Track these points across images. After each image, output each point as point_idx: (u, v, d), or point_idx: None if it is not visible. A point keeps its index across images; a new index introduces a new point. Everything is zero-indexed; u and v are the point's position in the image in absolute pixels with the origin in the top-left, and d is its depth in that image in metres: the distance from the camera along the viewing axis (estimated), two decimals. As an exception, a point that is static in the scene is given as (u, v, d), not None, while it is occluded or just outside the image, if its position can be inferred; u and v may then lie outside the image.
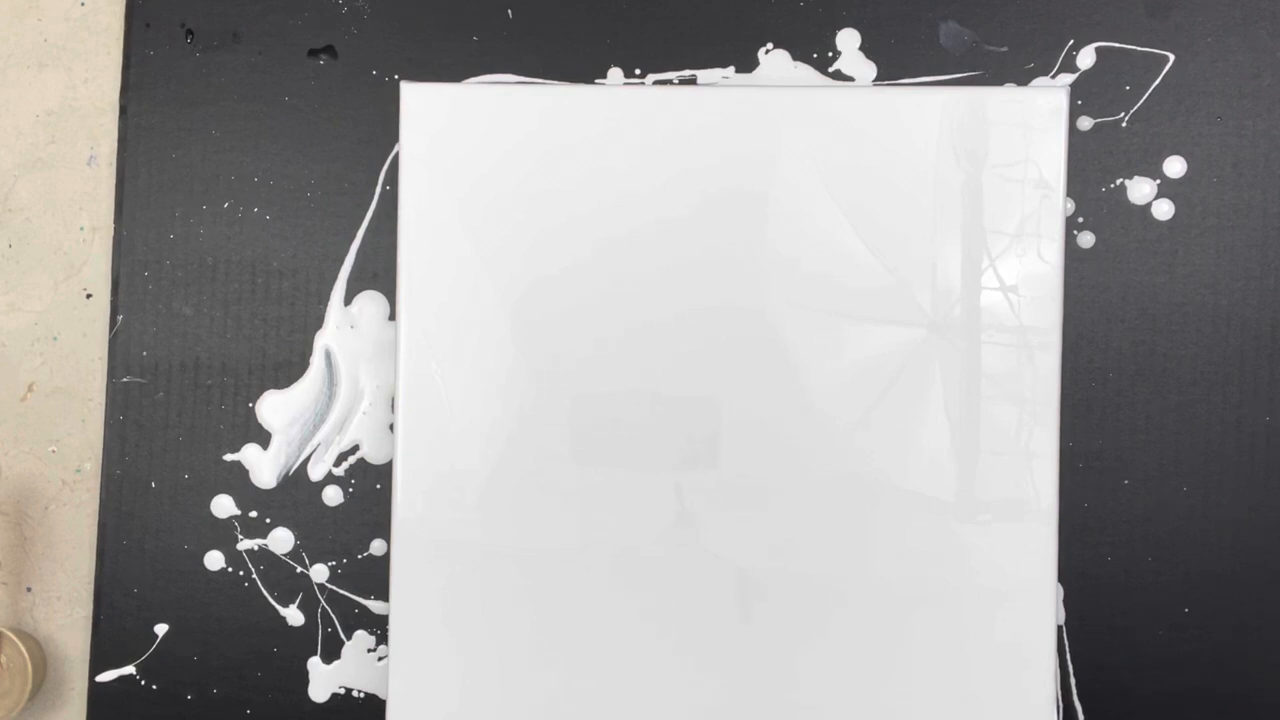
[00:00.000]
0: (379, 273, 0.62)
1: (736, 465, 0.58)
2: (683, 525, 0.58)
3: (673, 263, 0.58)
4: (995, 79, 0.60)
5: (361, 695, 0.61)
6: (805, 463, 0.58)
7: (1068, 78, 0.60)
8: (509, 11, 0.62)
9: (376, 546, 0.61)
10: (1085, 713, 0.60)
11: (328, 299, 0.62)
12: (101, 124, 0.63)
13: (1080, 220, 0.60)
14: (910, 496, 0.58)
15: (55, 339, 0.63)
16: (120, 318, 0.62)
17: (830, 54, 0.61)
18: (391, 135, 0.61)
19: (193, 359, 0.62)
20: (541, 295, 0.59)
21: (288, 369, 0.62)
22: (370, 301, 0.61)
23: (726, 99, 0.59)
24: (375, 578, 0.61)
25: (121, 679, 0.61)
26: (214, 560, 0.61)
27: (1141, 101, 0.60)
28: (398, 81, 0.61)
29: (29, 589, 0.63)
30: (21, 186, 0.63)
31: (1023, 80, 0.60)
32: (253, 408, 0.62)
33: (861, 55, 0.61)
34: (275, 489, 0.61)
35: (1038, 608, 0.58)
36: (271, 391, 0.62)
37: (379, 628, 0.61)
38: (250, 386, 0.62)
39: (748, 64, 0.61)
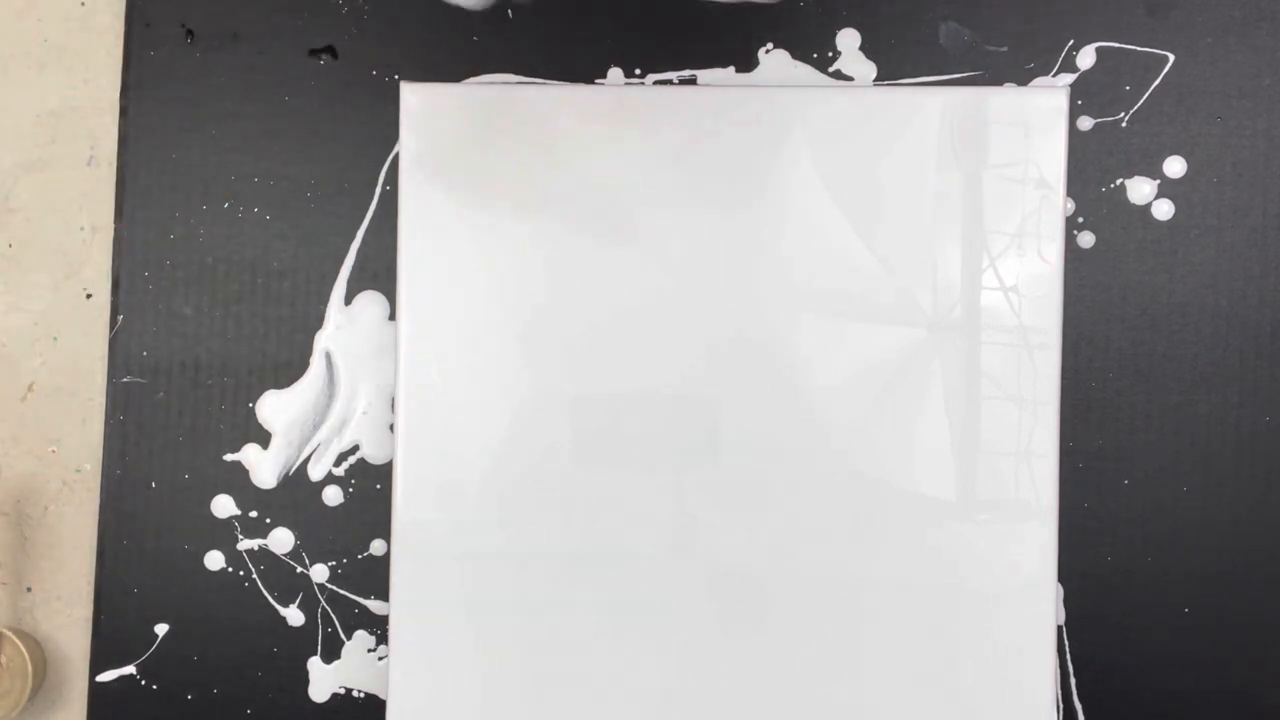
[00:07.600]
0: (379, 273, 0.62)
1: (736, 465, 0.58)
2: (683, 525, 0.58)
3: (672, 262, 0.58)
4: (995, 79, 0.60)
5: (361, 695, 0.61)
6: (805, 463, 0.58)
7: (1068, 78, 0.60)
8: (509, 11, 0.62)
9: (376, 546, 0.61)
10: (1085, 713, 0.60)
11: (328, 299, 0.62)
12: (101, 124, 0.63)
13: (1080, 220, 0.60)
14: (910, 496, 0.58)
15: (55, 339, 0.63)
16: (120, 318, 0.62)
17: (830, 54, 0.61)
18: (391, 135, 0.61)
19: (193, 359, 0.62)
20: (541, 295, 0.59)
21: (288, 369, 0.62)
22: (370, 301, 0.61)
23: (726, 99, 0.59)
24: (375, 578, 0.61)
25: (121, 679, 0.61)
26: (214, 560, 0.61)
27: (1141, 101, 0.60)
28: (398, 81, 0.61)
29: (29, 589, 0.63)
30: (21, 186, 0.63)
31: (1023, 80, 0.60)
32: (253, 408, 0.62)
33: (861, 55, 0.61)
34: (275, 489, 0.61)
35: (1038, 608, 0.58)
36: (271, 391, 0.62)
37: (379, 628, 0.61)
38: (250, 386, 0.62)
39: (748, 64, 0.61)
